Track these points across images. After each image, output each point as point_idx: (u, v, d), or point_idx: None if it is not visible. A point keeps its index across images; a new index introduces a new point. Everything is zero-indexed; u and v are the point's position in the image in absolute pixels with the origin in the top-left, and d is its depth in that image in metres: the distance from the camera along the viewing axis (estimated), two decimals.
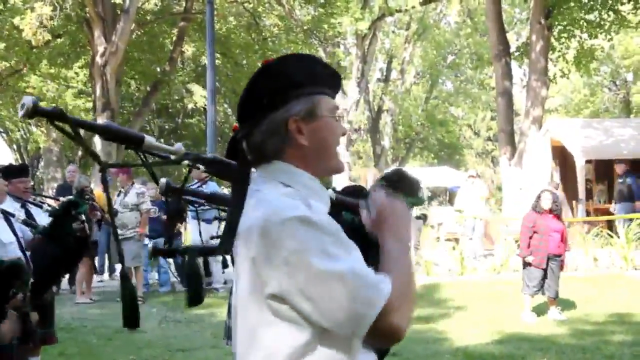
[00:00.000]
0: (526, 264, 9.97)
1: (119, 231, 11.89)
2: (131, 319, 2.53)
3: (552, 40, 21.54)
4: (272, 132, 2.01)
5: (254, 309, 1.93)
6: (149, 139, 2.33)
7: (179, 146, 2.52)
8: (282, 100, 2.02)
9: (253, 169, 2.10)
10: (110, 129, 2.34)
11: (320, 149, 2.05)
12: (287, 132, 2.01)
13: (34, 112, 2.09)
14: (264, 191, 1.98)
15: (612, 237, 15.03)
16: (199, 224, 3.92)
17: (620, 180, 17.41)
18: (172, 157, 2.52)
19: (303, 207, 1.90)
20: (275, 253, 1.86)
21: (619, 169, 17.51)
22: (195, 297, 2.79)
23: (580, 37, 22.02)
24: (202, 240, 3.96)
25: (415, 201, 2.28)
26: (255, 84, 2.05)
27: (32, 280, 4.90)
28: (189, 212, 12.08)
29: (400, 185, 2.20)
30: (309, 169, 2.05)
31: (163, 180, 2.95)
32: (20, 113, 2.08)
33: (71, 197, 5.55)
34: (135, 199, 12.12)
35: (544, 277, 9.84)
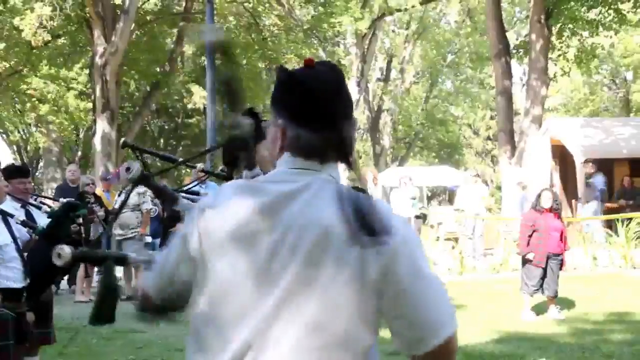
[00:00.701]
0: (525, 263, 9.96)
1: (121, 231, 11.91)
2: (103, 313, 2.35)
3: (553, 39, 21.55)
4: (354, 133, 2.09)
5: (353, 304, 1.89)
6: None
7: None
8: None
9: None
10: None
11: None
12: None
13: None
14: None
15: (611, 236, 15.04)
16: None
17: (588, 180, 17.55)
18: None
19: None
20: (390, 243, 1.89)
21: (587, 168, 17.66)
22: (101, 314, 2.37)
23: (581, 36, 22.02)
24: None
25: None
26: (345, 85, 2.09)
27: (28, 281, 4.91)
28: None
29: None
30: None
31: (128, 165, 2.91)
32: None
33: (71, 199, 5.54)
34: (136, 199, 12.11)
35: (543, 276, 9.84)
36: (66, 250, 2.05)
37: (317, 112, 2.00)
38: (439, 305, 1.91)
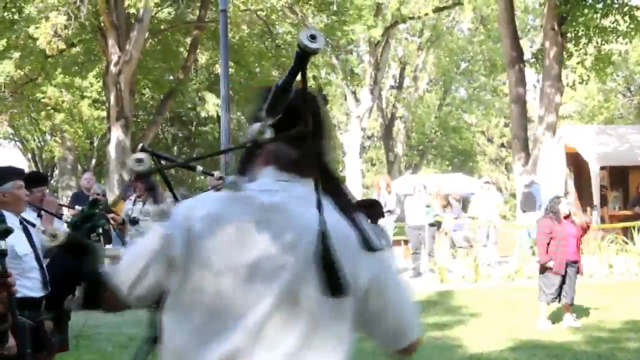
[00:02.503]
0: (543, 271, 9.90)
1: (140, 239, 11.86)
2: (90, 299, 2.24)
3: (570, 46, 21.46)
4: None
5: (343, 306, 2.00)
6: None
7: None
8: None
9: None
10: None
11: None
12: None
13: None
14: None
15: (627, 243, 14.96)
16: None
17: (525, 190, 17.56)
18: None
19: None
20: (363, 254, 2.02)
21: (524, 179, 17.74)
22: (91, 299, 2.27)
23: (598, 43, 21.91)
24: None
25: None
26: (324, 110, 2.17)
27: (49, 290, 4.91)
28: None
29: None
30: None
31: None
32: None
33: (85, 207, 5.53)
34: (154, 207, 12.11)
35: (562, 284, 9.77)
36: (61, 231, 2.14)
37: (307, 128, 2.03)
38: (413, 308, 2.15)
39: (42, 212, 6.36)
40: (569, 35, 21.05)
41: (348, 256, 1.96)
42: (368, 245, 2.01)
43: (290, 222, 1.99)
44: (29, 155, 38.15)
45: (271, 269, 1.96)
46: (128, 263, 2.09)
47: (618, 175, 19.65)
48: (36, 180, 6.32)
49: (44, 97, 26.11)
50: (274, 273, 1.96)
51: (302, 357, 1.94)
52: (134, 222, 10.88)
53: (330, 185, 2.08)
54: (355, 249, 1.99)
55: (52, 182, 35.88)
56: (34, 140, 36.70)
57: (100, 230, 4.41)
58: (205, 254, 1.98)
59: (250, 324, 1.93)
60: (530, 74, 27.50)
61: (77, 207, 6.39)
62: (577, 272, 9.94)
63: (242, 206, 2.02)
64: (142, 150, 3.06)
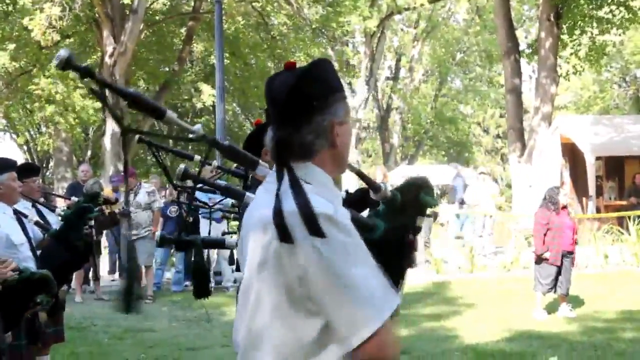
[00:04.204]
0: (539, 261, 9.91)
1: (133, 231, 11.89)
2: (200, 289, 2.74)
3: (564, 37, 21.45)
4: (320, 134, 2.08)
5: (273, 297, 2.01)
6: (170, 114, 2.34)
7: (198, 127, 2.54)
8: (328, 103, 2.10)
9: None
10: (136, 97, 2.33)
11: (344, 151, 2.15)
12: (330, 135, 2.10)
13: (67, 64, 2.12)
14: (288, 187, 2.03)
15: (622, 233, 14.98)
16: (210, 223, 3.99)
17: (452, 184, 17.75)
18: (191, 135, 2.53)
19: (332, 206, 1.98)
20: (301, 243, 1.93)
21: (453, 171, 17.95)
22: (201, 289, 2.79)
23: (592, 33, 21.90)
24: None
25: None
26: (301, 87, 2.07)
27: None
28: (199, 214, 12.11)
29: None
30: (329, 171, 2.12)
31: (181, 166, 3.00)
32: (54, 63, 2.15)
33: (81, 200, 5.51)
34: (146, 198, 12.12)
35: (557, 274, 9.79)
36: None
37: (272, 115, 2.14)
38: (357, 307, 1.91)
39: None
40: (564, 25, 21.04)
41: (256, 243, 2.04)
42: (285, 237, 1.95)
43: (249, 218, 2.16)
44: (25, 148, 38.04)
45: (243, 267, 2.17)
46: None
47: (613, 166, 19.69)
48: (28, 170, 6.30)
49: (36, 89, 26.02)
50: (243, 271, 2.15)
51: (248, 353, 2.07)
52: (125, 214, 10.87)
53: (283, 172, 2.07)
54: (273, 243, 1.99)
55: (47, 173, 35.82)
56: (28, 132, 36.58)
57: (92, 222, 4.40)
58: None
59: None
60: (526, 65, 27.49)
61: (73, 197, 6.37)
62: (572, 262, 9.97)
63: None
64: (140, 141, 3.06)
